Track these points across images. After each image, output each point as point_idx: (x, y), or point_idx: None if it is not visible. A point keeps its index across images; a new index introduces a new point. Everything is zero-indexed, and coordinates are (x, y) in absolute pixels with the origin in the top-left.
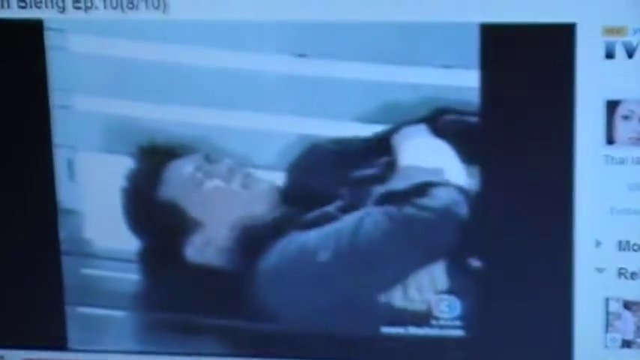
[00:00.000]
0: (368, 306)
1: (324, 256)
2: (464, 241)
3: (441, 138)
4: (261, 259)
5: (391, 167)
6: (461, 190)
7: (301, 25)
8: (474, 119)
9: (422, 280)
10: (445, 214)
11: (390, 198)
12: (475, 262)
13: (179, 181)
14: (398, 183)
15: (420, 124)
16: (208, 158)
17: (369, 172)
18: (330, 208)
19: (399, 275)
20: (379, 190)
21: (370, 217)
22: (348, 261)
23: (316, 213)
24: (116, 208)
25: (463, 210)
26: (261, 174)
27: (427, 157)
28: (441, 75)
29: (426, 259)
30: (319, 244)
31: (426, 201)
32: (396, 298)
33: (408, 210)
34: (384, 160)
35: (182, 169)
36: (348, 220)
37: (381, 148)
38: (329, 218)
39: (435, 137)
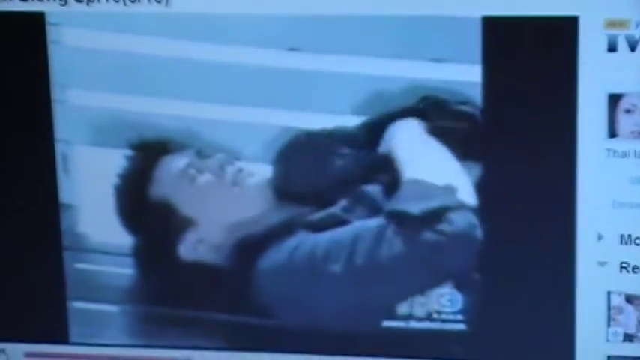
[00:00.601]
0: (370, 300)
1: (335, 262)
2: (479, 253)
3: (440, 135)
4: (262, 256)
5: (389, 163)
6: (475, 210)
7: (297, 19)
8: (475, 114)
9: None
10: (463, 238)
11: (406, 220)
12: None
13: (171, 177)
14: (410, 204)
15: (414, 120)
16: (200, 154)
17: (368, 168)
18: (337, 210)
19: (411, 290)
20: (392, 204)
21: (386, 235)
22: (358, 271)
23: (323, 214)
24: (112, 203)
25: (479, 231)
26: (254, 169)
27: (435, 169)
28: (441, 69)
29: (439, 277)
30: (331, 250)
31: (444, 227)
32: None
33: (427, 235)
34: (382, 155)
35: (174, 166)
36: (362, 231)
37: (375, 141)
38: (337, 221)
39: (433, 138)
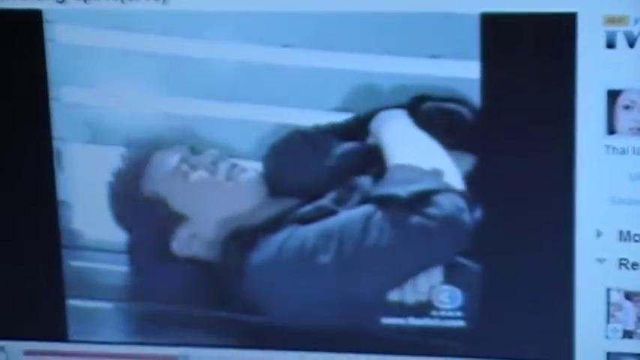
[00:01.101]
0: (368, 298)
1: (325, 253)
2: (466, 236)
3: (437, 131)
4: (254, 252)
5: (378, 155)
6: (462, 194)
7: (293, 16)
8: (474, 110)
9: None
10: (450, 221)
11: (393, 203)
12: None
13: (164, 173)
14: (397, 187)
15: (400, 110)
16: (193, 150)
17: (356, 160)
18: (325, 202)
19: (401, 276)
20: (378, 189)
21: (374, 221)
22: (349, 260)
23: (312, 207)
24: (106, 200)
25: (467, 215)
26: (246, 164)
27: (421, 155)
28: (439, 66)
29: (430, 261)
30: (320, 241)
31: (431, 210)
32: (396, 290)
33: (415, 219)
34: (369, 147)
35: (167, 162)
36: (349, 219)
37: (362, 133)
38: (326, 212)
39: (420, 128)
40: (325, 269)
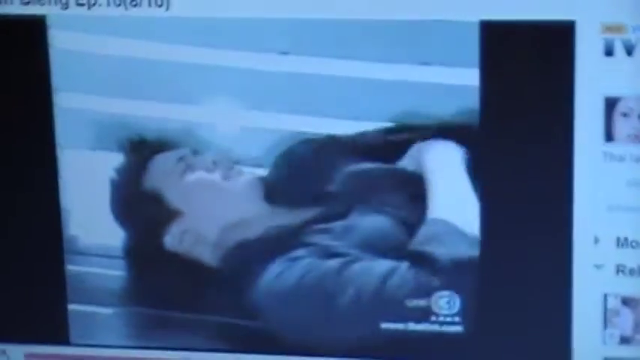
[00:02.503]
0: (368, 303)
1: (339, 295)
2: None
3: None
4: (264, 264)
5: (415, 184)
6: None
7: (296, 23)
8: (472, 117)
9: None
10: (456, 263)
11: (426, 262)
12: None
13: (163, 170)
14: (432, 244)
15: (452, 144)
16: (194, 152)
17: (380, 183)
18: (350, 251)
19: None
20: (414, 244)
21: (399, 273)
22: (363, 303)
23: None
24: (103, 205)
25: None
26: (246, 169)
27: (458, 204)
28: (437, 74)
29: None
30: (335, 281)
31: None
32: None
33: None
34: (401, 172)
35: (167, 160)
36: (374, 268)
37: (370, 148)
38: (349, 260)
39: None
40: (333, 284)
